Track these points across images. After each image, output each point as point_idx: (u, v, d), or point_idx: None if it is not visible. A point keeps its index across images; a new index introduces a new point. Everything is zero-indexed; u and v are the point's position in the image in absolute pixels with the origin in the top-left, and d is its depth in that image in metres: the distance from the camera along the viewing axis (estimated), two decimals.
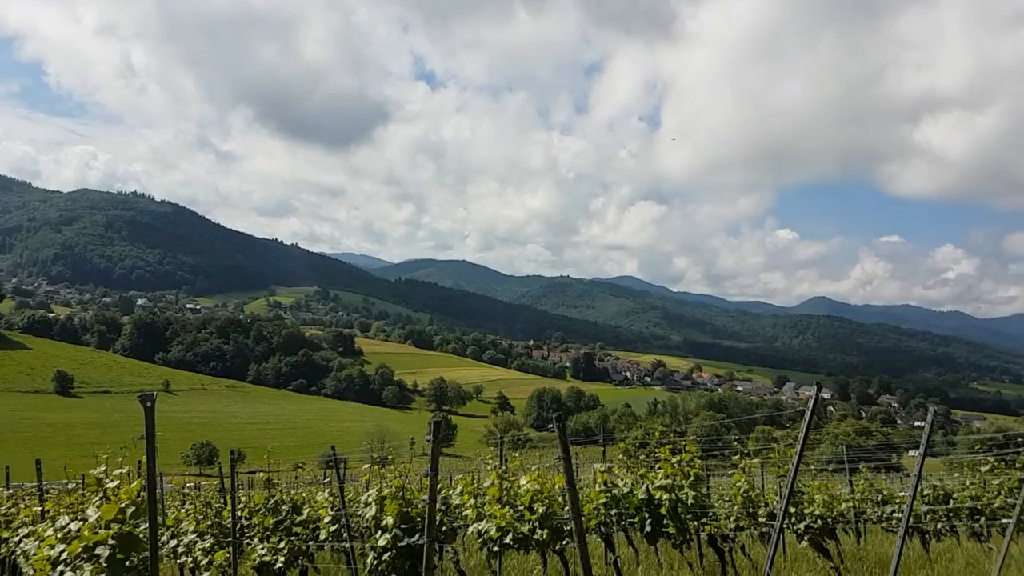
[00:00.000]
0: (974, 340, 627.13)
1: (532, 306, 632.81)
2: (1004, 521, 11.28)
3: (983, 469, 12.97)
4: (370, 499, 8.86)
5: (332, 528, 10.68)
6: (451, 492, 11.53)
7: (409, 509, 8.43)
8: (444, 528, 10.06)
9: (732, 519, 10.38)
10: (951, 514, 13.27)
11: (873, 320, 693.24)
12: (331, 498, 10.97)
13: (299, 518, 11.26)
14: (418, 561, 7.98)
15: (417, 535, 8.12)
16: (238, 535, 11.25)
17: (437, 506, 10.16)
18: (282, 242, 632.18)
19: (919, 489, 13.34)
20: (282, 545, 10.79)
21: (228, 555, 11.22)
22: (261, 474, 12.32)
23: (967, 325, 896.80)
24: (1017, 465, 12.12)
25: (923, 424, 9.16)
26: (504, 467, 10.63)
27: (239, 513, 11.70)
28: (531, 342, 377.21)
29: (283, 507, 11.34)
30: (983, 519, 12.62)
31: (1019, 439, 15.12)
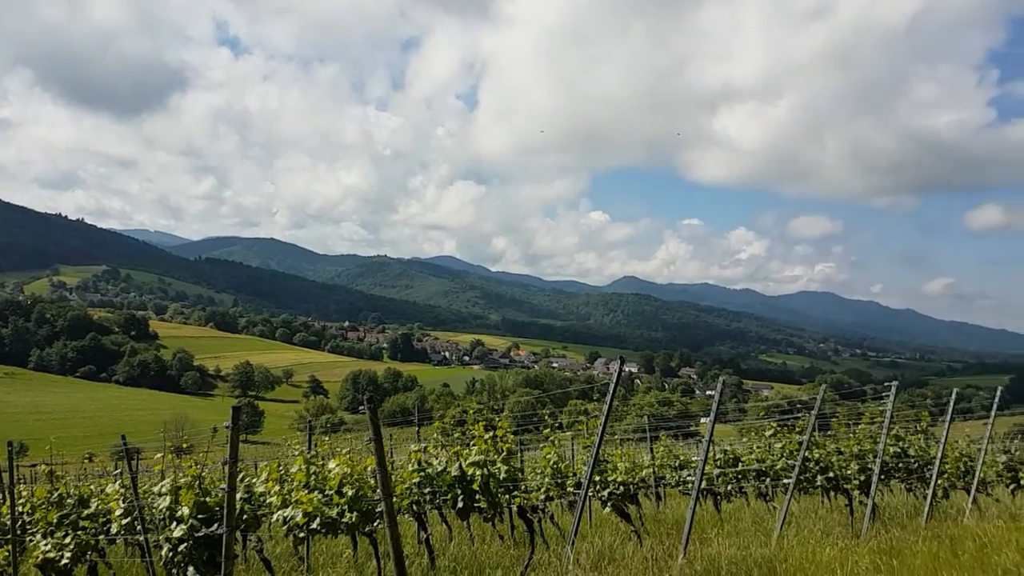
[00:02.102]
0: (763, 316, 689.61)
1: (347, 286, 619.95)
2: (785, 481, 12.35)
3: (767, 434, 14.11)
4: (164, 489, 8.45)
5: (125, 521, 10.10)
6: (255, 480, 11.01)
7: (207, 499, 8.10)
8: (246, 517, 9.58)
9: (543, 490, 10.64)
10: (740, 476, 14.34)
11: (676, 298, 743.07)
12: (122, 490, 10.35)
13: (87, 512, 10.63)
14: (217, 551, 7.65)
15: (216, 525, 7.75)
16: (19, 532, 10.69)
17: (239, 494, 9.72)
18: (66, 217, 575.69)
19: (712, 453, 14.34)
20: (68, 540, 10.21)
21: (8, 553, 10.62)
22: (44, 467, 11.42)
23: (757, 302, 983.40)
24: (797, 429, 13.30)
25: (715, 393, 9.79)
26: (313, 452, 10.32)
27: (20, 509, 11.14)
28: (346, 323, 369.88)
29: (68, 500, 10.72)
30: (768, 480, 13.73)
31: (799, 405, 16.58)
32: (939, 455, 12.87)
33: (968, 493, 14.52)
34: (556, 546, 10.08)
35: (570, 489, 10.65)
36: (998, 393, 14.40)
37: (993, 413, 14.23)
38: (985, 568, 8.29)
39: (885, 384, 12.60)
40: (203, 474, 8.45)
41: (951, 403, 12.97)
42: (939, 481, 13.75)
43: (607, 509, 10.80)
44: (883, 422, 12.12)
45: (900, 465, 13.91)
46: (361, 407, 7.66)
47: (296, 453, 9.80)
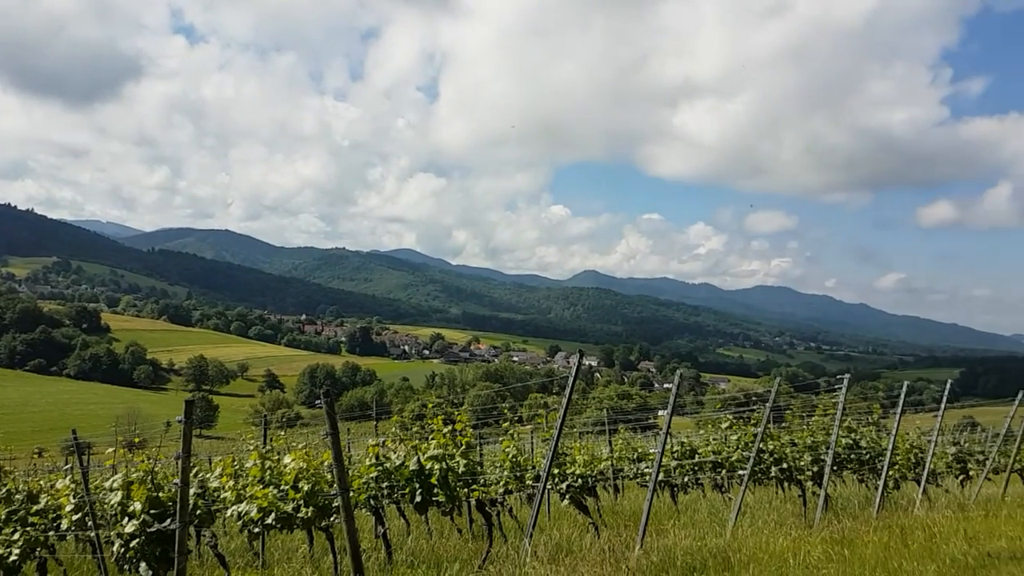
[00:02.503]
0: (721, 310, 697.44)
1: (304, 279, 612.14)
2: (741, 472, 12.49)
3: (723, 426, 14.29)
4: (116, 485, 8.35)
5: (75, 517, 9.96)
6: (209, 475, 10.85)
7: (159, 494, 8.01)
8: (200, 512, 9.43)
9: (501, 484, 10.63)
10: (696, 468, 14.50)
11: (636, 292, 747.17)
12: (73, 485, 10.22)
13: (36, 508, 10.44)
14: (170, 546, 7.55)
15: (169, 520, 7.63)
16: None
17: (193, 489, 9.55)
18: (16, 207, 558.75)
19: (669, 446, 14.47)
20: (16, 537, 10.00)
21: None
22: None
23: (715, 296, 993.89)
24: (752, 421, 13.48)
25: (671, 387, 9.87)
26: (268, 447, 10.21)
27: None
28: (303, 317, 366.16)
29: (17, 496, 10.52)
30: (724, 472, 13.91)
31: (755, 398, 16.83)
32: (890, 447, 13.15)
33: (918, 484, 14.85)
34: (515, 539, 10.09)
35: (529, 482, 10.67)
36: (948, 386, 14.77)
37: (943, 406, 14.59)
38: (934, 557, 8.48)
39: (838, 377, 12.82)
40: (156, 469, 8.36)
41: (902, 396, 13.25)
42: (890, 472, 14.04)
43: (565, 502, 10.85)
44: (836, 414, 12.34)
45: (852, 456, 14.18)
46: (318, 401, 7.60)
47: (251, 448, 9.75)
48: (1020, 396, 16.07)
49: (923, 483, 14.65)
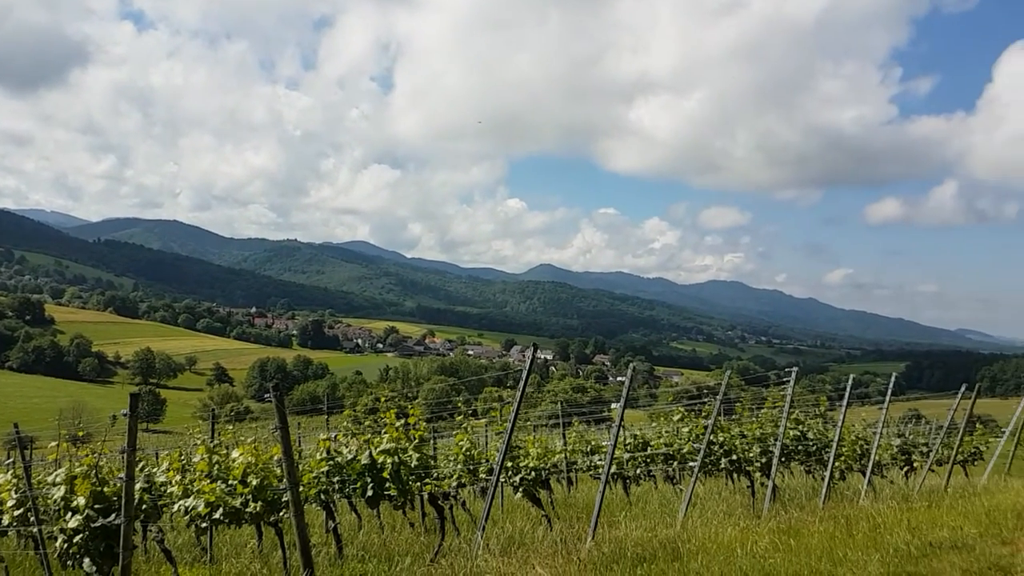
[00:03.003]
0: (674, 304, 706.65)
1: (255, 271, 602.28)
2: (691, 464, 12.67)
3: (675, 419, 14.47)
4: (59, 479, 8.13)
5: (17, 512, 9.78)
6: (156, 469, 10.64)
7: (104, 488, 7.79)
8: (146, 507, 9.23)
9: (455, 477, 10.61)
10: (648, 460, 14.66)
11: (591, 286, 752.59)
12: (15, 480, 10.02)
13: None
14: (115, 542, 7.40)
15: (113, 515, 7.45)
16: None
17: (139, 484, 9.36)
18: None
19: (622, 438, 14.61)
20: None
21: None
22: None
23: (669, 290, 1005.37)
24: (703, 414, 13.67)
25: (624, 379, 9.95)
26: (217, 441, 10.06)
27: None
28: (253, 309, 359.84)
29: None
30: (675, 464, 14.09)
31: (706, 391, 17.05)
32: (836, 438, 13.46)
33: (864, 475, 15.22)
34: (468, 532, 10.08)
35: (482, 476, 10.66)
36: (892, 379, 15.16)
37: (888, 398, 14.97)
38: (878, 547, 8.69)
39: (786, 370, 13.07)
40: (101, 464, 8.15)
41: (848, 389, 13.55)
42: (836, 463, 14.37)
43: (519, 495, 10.87)
44: (784, 407, 12.58)
45: (800, 448, 14.47)
46: (267, 395, 7.50)
47: (199, 442, 9.59)
48: (963, 390, 16.58)
49: (868, 474, 15.02)
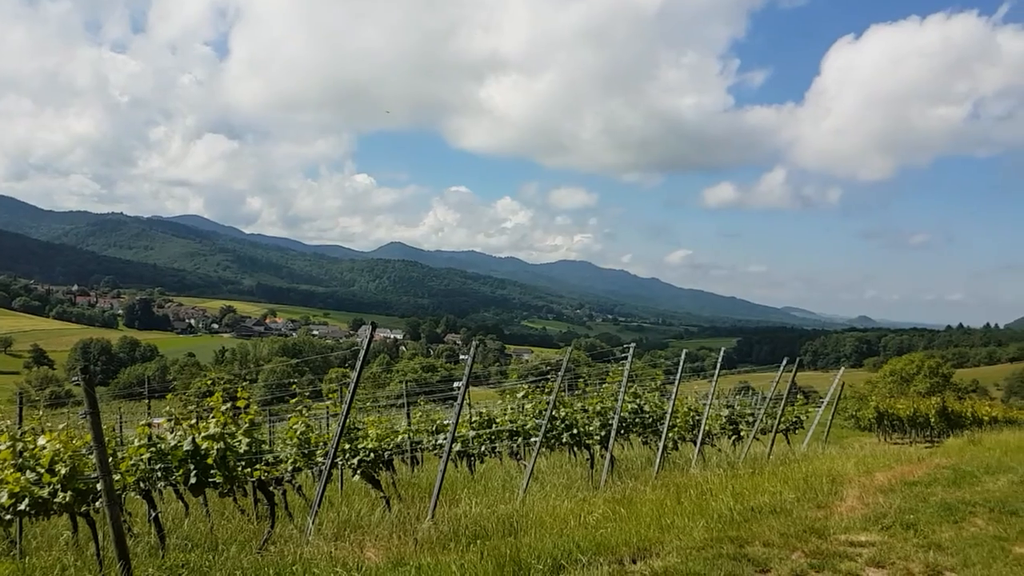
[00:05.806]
0: (526, 283, 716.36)
1: (76, 246, 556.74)
2: (534, 440, 12.81)
3: (519, 395, 14.59)
4: None
5: None
6: None
7: None
8: None
9: (290, 462, 10.18)
10: (494, 437, 14.71)
11: (443, 265, 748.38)
12: None
13: None
14: None
15: None
16: None
17: None
18: None
19: (469, 416, 14.58)
20: None
21: None
22: None
23: (520, 270, 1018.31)
24: (547, 390, 13.84)
25: (467, 357, 9.84)
26: (23, 427, 9.16)
27: None
28: (75, 287, 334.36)
29: None
30: (520, 439, 14.21)
31: (551, 368, 17.34)
32: (670, 410, 14.05)
33: (695, 445, 16.02)
34: (302, 518, 9.70)
35: (319, 459, 10.28)
36: (721, 353, 16.04)
37: (717, 372, 15.82)
38: (703, 513, 9.10)
39: (624, 347, 13.47)
40: None
41: (681, 363, 14.17)
42: (670, 434, 15.01)
43: (357, 477, 10.58)
44: (622, 381, 12.96)
45: (637, 420, 15.00)
46: (75, 378, 6.98)
47: (3, 429, 8.66)
48: (784, 363, 17.79)
49: (699, 444, 15.82)
